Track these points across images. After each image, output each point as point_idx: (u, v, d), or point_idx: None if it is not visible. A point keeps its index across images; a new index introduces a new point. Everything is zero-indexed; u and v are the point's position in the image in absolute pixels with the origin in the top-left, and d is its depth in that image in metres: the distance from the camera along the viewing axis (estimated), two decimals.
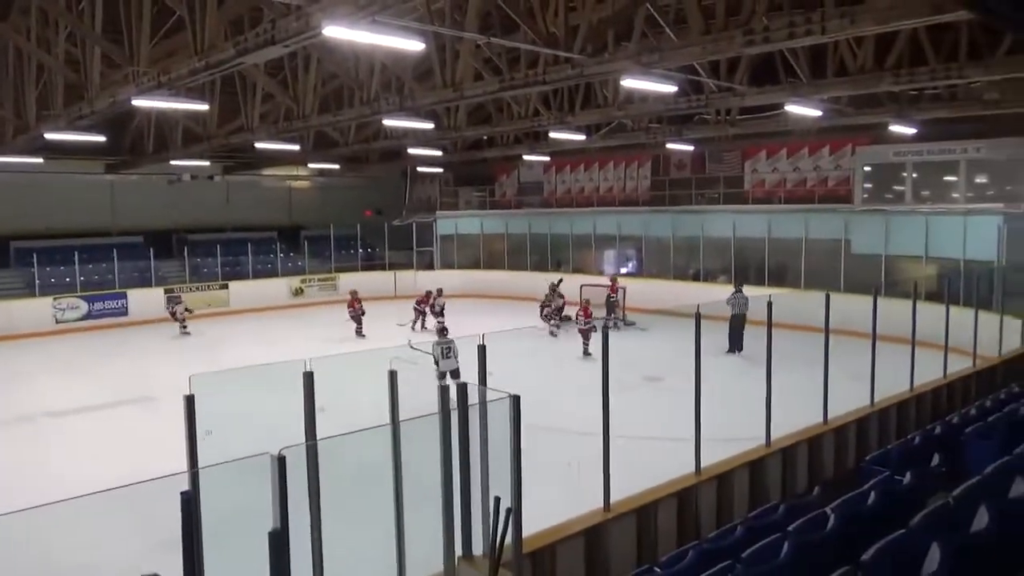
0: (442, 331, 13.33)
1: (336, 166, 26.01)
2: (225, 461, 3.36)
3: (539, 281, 21.44)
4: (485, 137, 21.71)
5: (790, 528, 4.49)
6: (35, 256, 21.79)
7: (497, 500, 4.37)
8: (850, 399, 8.50)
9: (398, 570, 4.64)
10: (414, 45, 8.53)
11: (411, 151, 22.49)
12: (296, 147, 20.17)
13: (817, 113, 14.17)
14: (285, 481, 3.36)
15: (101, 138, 16.10)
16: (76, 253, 22.25)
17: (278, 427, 4.52)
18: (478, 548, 4.76)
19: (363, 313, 19.58)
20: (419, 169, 29.90)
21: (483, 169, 29.58)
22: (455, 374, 11.44)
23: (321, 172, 28.74)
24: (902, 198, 19.25)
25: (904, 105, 14.32)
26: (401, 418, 4.64)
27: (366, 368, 5.42)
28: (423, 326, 19.60)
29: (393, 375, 4.66)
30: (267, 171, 27.85)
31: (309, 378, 4.53)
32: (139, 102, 11.45)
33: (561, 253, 26.57)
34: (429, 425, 4.64)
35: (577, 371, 14.19)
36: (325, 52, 12.99)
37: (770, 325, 7.47)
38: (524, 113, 16.19)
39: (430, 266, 28.28)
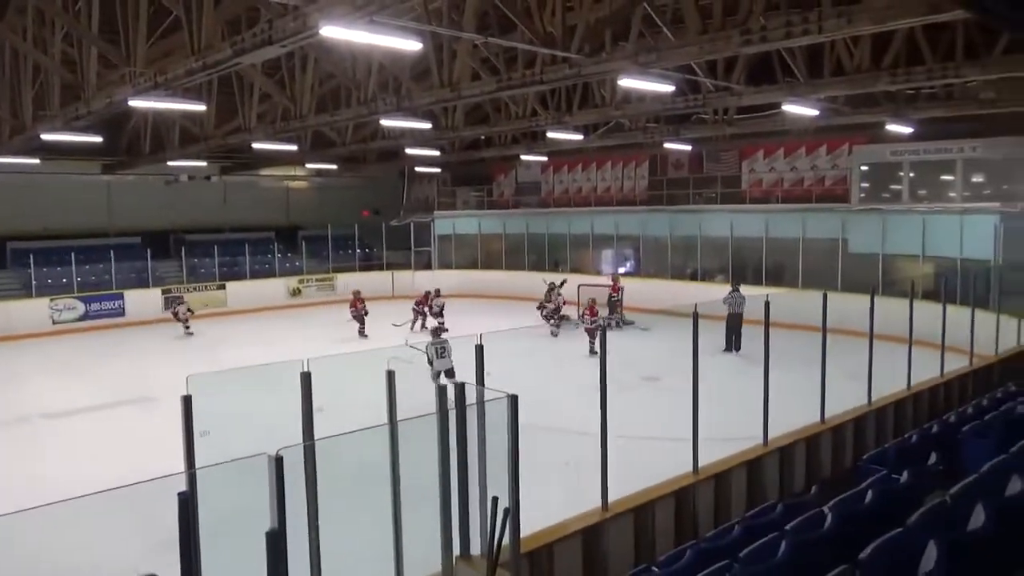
0: (436, 331, 13.36)
1: (334, 166, 26.00)
2: (223, 461, 3.36)
3: (537, 281, 21.44)
4: (483, 137, 21.71)
5: (788, 527, 4.50)
6: (32, 257, 21.74)
7: (495, 500, 4.37)
8: (847, 398, 8.51)
9: (396, 570, 4.64)
10: (411, 45, 8.53)
11: (409, 151, 22.48)
12: (293, 147, 20.16)
13: (814, 112, 14.20)
14: (283, 481, 3.35)
15: (98, 138, 16.08)
16: (73, 254, 22.23)
17: (276, 427, 4.51)
18: (476, 548, 4.75)
19: (366, 313, 19.50)
20: (417, 169, 29.90)
21: (481, 169, 29.58)
22: (450, 373, 11.49)
23: (319, 172, 28.73)
24: (899, 197, 19.29)
25: (901, 104, 14.35)
26: (399, 418, 4.64)
27: (364, 368, 5.42)
28: (423, 326, 19.58)
29: (391, 375, 4.66)
30: (264, 171, 27.84)
31: (307, 378, 4.54)
32: (136, 102, 11.44)
33: (559, 253, 26.58)
34: (427, 425, 4.64)
35: (575, 371, 14.18)
36: (322, 52, 12.98)
37: (767, 324, 7.48)
38: (522, 113, 16.19)
39: (428, 266, 28.27)
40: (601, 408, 5.70)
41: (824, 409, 7.97)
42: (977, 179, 18.05)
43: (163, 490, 3.25)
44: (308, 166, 27.37)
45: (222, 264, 25.07)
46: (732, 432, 7.36)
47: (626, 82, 11.06)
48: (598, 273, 24.60)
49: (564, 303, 19.79)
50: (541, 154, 24.83)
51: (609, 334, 5.96)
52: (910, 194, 19.09)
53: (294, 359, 4.68)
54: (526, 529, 4.77)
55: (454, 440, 4.59)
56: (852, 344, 8.81)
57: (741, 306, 16.16)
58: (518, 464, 4.45)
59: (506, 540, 4.37)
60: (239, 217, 27.88)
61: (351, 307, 19.70)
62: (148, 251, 23.56)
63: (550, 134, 18.83)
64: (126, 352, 18.17)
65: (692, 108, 14.72)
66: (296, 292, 25.91)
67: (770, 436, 7.28)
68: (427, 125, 16.56)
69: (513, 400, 4.35)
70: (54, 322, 21.08)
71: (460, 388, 4.67)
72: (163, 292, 23.21)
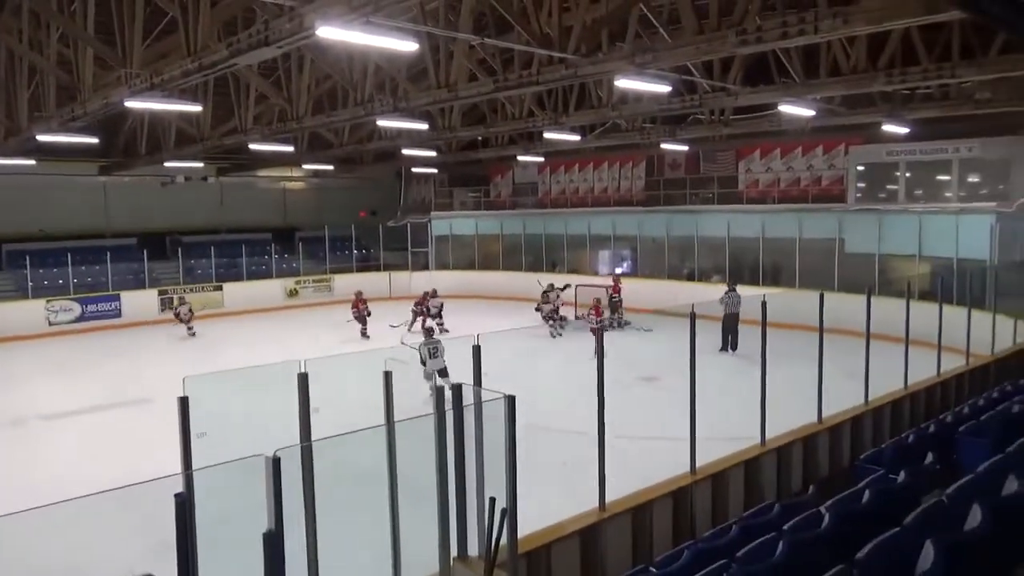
0: (429, 331, 13.37)
1: (330, 167, 25.96)
2: (220, 463, 3.35)
3: (534, 282, 21.44)
4: (479, 138, 21.71)
5: (785, 527, 4.51)
6: (27, 258, 21.68)
7: (492, 500, 4.37)
8: (844, 398, 8.52)
9: (393, 571, 4.63)
10: (408, 46, 8.52)
11: (405, 152, 22.48)
12: (290, 148, 20.15)
13: (810, 113, 14.22)
14: (279, 482, 3.35)
15: (94, 140, 16.03)
16: (69, 255, 22.15)
17: (273, 428, 4.51)
18: (474, 549, 4.75)
19: (369, 314, 19.41)
20: (414, 170, 29.89)
21: (478, 170, 29.58)
22: (443, 373, 11.51)
23: (315, 173, 28.68)
24: (895, 197, 19.34)
25: (897, 105, 14.38)
26: (396, 418, 4.63)
27: (361, 369, 5.42)
28: (423, 327, 19.55)
29: (388, 376, 4.66)
30: (261, 172, 27.81)
31: (303, 379, 4.53)
32: (132, 103, 11.40)
33: (556, 253, 26.60)
34: (424, 425, 4.63)
35: (573, 371, 14.16)
36: (319, 53, 12.97)
37: (764, 324, 7.49)
38: (518, 114, 16.19)
39: (425, 267, 28.25)
40: (599, 408, 5.70)
41: (821, 409, 7.98)
42: (973, 179, 18.11)
43: (160, 491, 3.24)
44: (305, 167, 27.32)
45: (219, 265, 25.01)
46: (729, 432, 7.38)
47: (623, 83, 11.06)
48: (595, 273, 24.63)
49: (562, 304, 19.79)
50: (538, 155, 24.83)
51: (611, 334, 5.97)
52: (906, 194, 19.13)
53: (291, 360, 4.68)
54: (524, 530, 4.76)
55: (452, 441, 4.59)
56: (849, 344, 8.81)
57: (737, 306, 16.18)
58: (515, 465, 4.44)
59: (504, 540, 4.37)
60: (236, 218, 27.83)
61: (353, 308, 19.65)
62: (144, 252, 23.51)
63: (547, 135, 18.83)
64: (122, 354, 18.12)
65: (689, 108, 14.74)
66: (293, 293, 25.88)
67: (767, 436, 7.28)
68: (424, 126, 16.56)
69: (510, 401, 4.35)
70: (50, 323, 21.02)
71: (457, 389, 4.67)
72: (159, 293, 23.18)
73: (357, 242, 28.11)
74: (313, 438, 4.35)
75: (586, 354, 5.69)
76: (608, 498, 5.75)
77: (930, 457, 6.08)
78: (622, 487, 5.97)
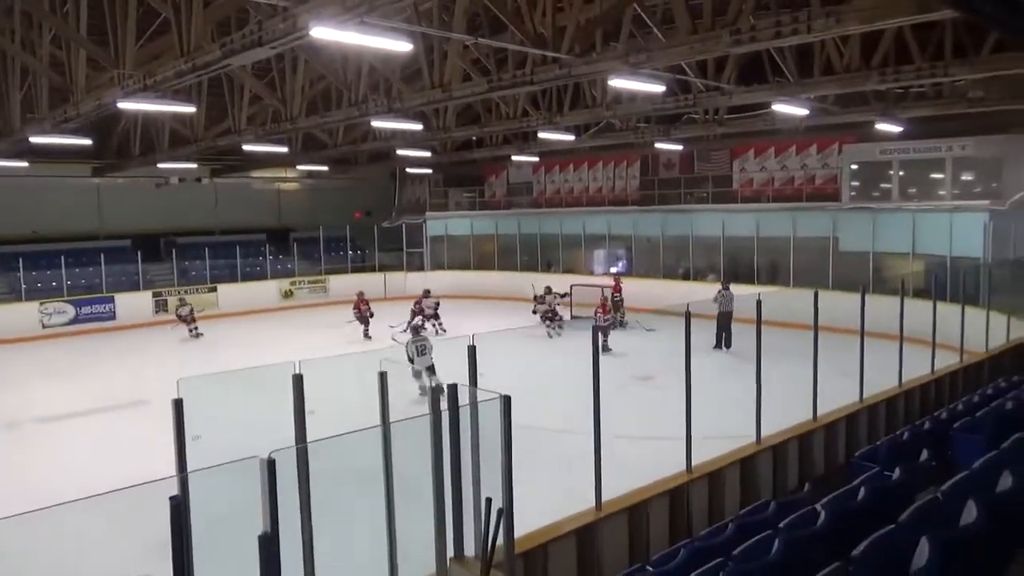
0: (416, 329, 13.37)
1: (325, 168, 25.93)
2: (215, 465, 3.34)
3: (531, 281, 21.41)
4: (474, 138, 21.71)
5: (781, 525, 4.51)
6: (21, 260, 21.56)
7: (488, 501, 4.37)
8: (839, 396, 8.54)
9: (390, 572, 4.63)
10: (402, 46, 8.52)
11: (400, 152, 22.47)
12: (284, 149, 20.12)
13: (804, 112, 14.26)
14: (275, 484, 3.34)
15: (87, 141, 15.99)
16: (63, 257, 22.09)
17: (269, 430, 4.50)
18: (470, 549, 4.75)
19: (371, 315, 19.29)
20: (408, 170, 29.86)
21: (472, 170, 29.58)
22: (431, 370, 11.54)
23: (310, 174, 28.64)
24: (889, 196, 19.40)
25: (890, 103, 14.42)
26: (392, 419, 4.63)
27: (357, 370, 5.41)
28: (423, 327, 19.51)
29: (383, 376, 4.65)
30: (255, 173, 27.76)
31: (299, 380, 4.51)
32: (125, 104, 11.37)
33: (551, 253, 26.61)
34: (420, 426, 4.63)
35: (569, 371, 14.17)
36: (312, 53, 12.95)
37: (759, 323, 7.50)
38: (513, 114, 16.19)
39: (420, 267, 28.24)
40: (594, 408, 5.70)
41: (816, 407, 8.00)
42: (966, 177, 18.18)
43: (155, 494, 3.23)
44: (299, 168, 27.30)
45: (213, 267, 24.95)
46: (725, 430, 7.39)
47: (617, 82, 11.07)
48: (591, 273, 24.64)
49: (560, 304, 19.79)
50: (532, 154, 24.84)
51: (613, 334, 5.97)
52: (900, 192, 19.20)
53: (286, 361, 4.66)
54: (520, 529, 4.76)
55: (448, 441, 4.58)
56: (844, 342, 8.84)
57: (731, 304, 16.23)
58: (511, 465, 4.44)
59: (500, 541, 4.37)
60: (230, 219, 27.74)
61: (354, 308, 19.59)
62: (139, 254, 23.44)
63: (541, 134, 18.84)
64: (117, 356, 18.07)
65: (683, 108, 14.76)
66: (288, 294, 25.83)
67: (763, 434, 7.30)
68: (418, 126, 16.55)
69: (506, 401, 4.34)
70: (44, 326, 20.94)
71: (453, 389, 4.66)
72: (154, 295, 23.12)
73: (352, 243, 28.07)
74: (309, 439, 4.34)
75: (583, 354, 5.67)
76: (604, 497, 5.75)
77: (925, 454, 6.11)
78: (618, 486, 5.97)
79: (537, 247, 26.71)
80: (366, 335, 19.05)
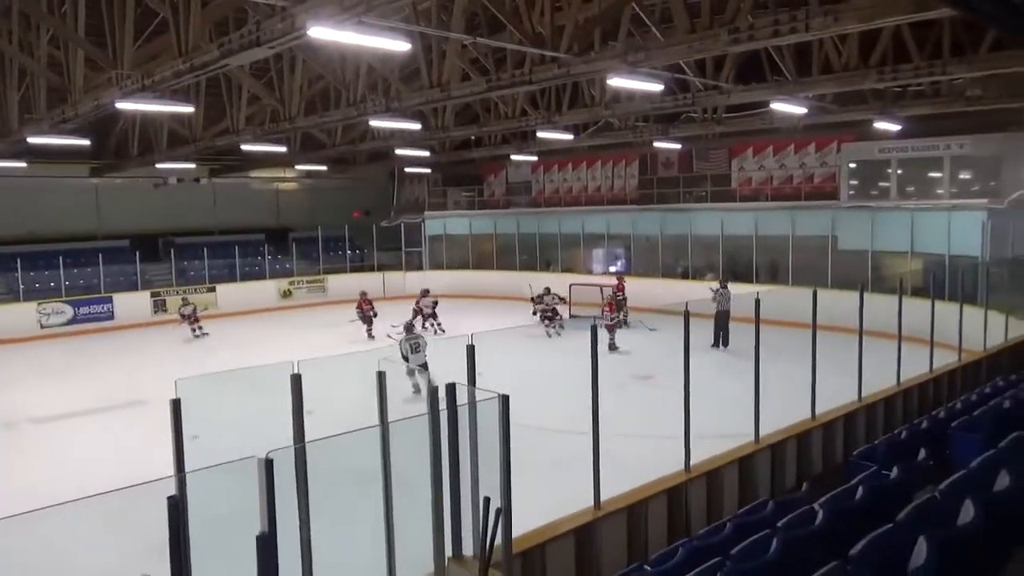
0: (409, 327, 13.38)
1: (323, 167, 25.93)
2: (213, 465, 3.34)
3: (530, 280, 21.43)
4: (472, 137, 21.70)
5: (779, 524, 4.51)
6: (19, 261, 21.54)
7: (487, 500, 4.36)
8: (838, 394, 8.54)
9: (388, 572, 4.62)
10: (400, 46, 8.51)
11: (398, 152, 22.44)
12: (283, 149, 20.10)
13: (802, 110, 14.26)
14: (273, 484, 3.34)
15: (85, 141, 15.98)
16: (61, 257, 22.09)
17: (267, 430, 4.49)
18: (469, 549, 4.75)
19: (375, 315, 19.28)
20: (407, 170, 29.86)
21: (471, 169, 29.58)
22: (424, 368, 11.58)
23: (308, 174, 28.63)
24: (887, 194, 19.40)
25: (888, 102, 14.43)
26: (390, 419, 4.62)
27: (355, 369, 5.40)
28: (423, 326, 19.51)
29: (382, 376, 4.64)
30: (254, 173, 27.74)
31: (297, 380, 4.51)
32: (123, 105, 11.37)
33: (550, 253, 26.60)
34: (419, 426, 4.63)
35: (568, 370, 14.19)
36: (311, 53, 12.94)
37: (758, 322, 7.50)
38: (511, 113, 16.19)
39: (419, 267, 28.24)
40: (593, 407, 5.70)
41: (815, 406, 8.00)
42: (964, 176, 18.18)
43: (153, 494, 3.23)
44: (298, 168, 27.28)
45: (212, 267, 24.94)
46: (724, 429, 7.39)
47: (615, 81, 11.07)
48: (589, 272, 24.65)
49: (559, 304, 19.81)
50: (531, 154, 24.84)
51: (617, 333, 5.97)
52: (898, 191, 19.20)
53: (284, 361, 4.66)
54: (518, 529, 4.77)
55: (446, 440, 4.58)
56: (842, 340, 8.84)
57: (728, 302, 16.25)
58: (510, 464, 4.44)
59: (498, 540, 4.36)
60: (229, 219, 27.73)
61: (357, 308, 19.57)
62: (137, 254, 23.44)
63: (540, 134, 18.84)
64: (115, 356, 18.05)
65: (681, 107, 14.75)
66: (287, 294, 25.83)
67: (761, 433, 7.30)
68: (417, 126, 16.54)
69: (504, 400, 4.34)
70: (42, 326, 20.94)
71: (451, 388, 4.66)
72: (152, 295, 23.10)
73: (351, 242, 28.06)
74: (307, 439, 4.34)
75: (582, 353, 5.67)
76: (603, 496, 5.75)
77: (923, 453, 6.11)
78: (617, 486, 5.97)
79: (536, 246, 26.71)
80: (369, 335, 19.02)
